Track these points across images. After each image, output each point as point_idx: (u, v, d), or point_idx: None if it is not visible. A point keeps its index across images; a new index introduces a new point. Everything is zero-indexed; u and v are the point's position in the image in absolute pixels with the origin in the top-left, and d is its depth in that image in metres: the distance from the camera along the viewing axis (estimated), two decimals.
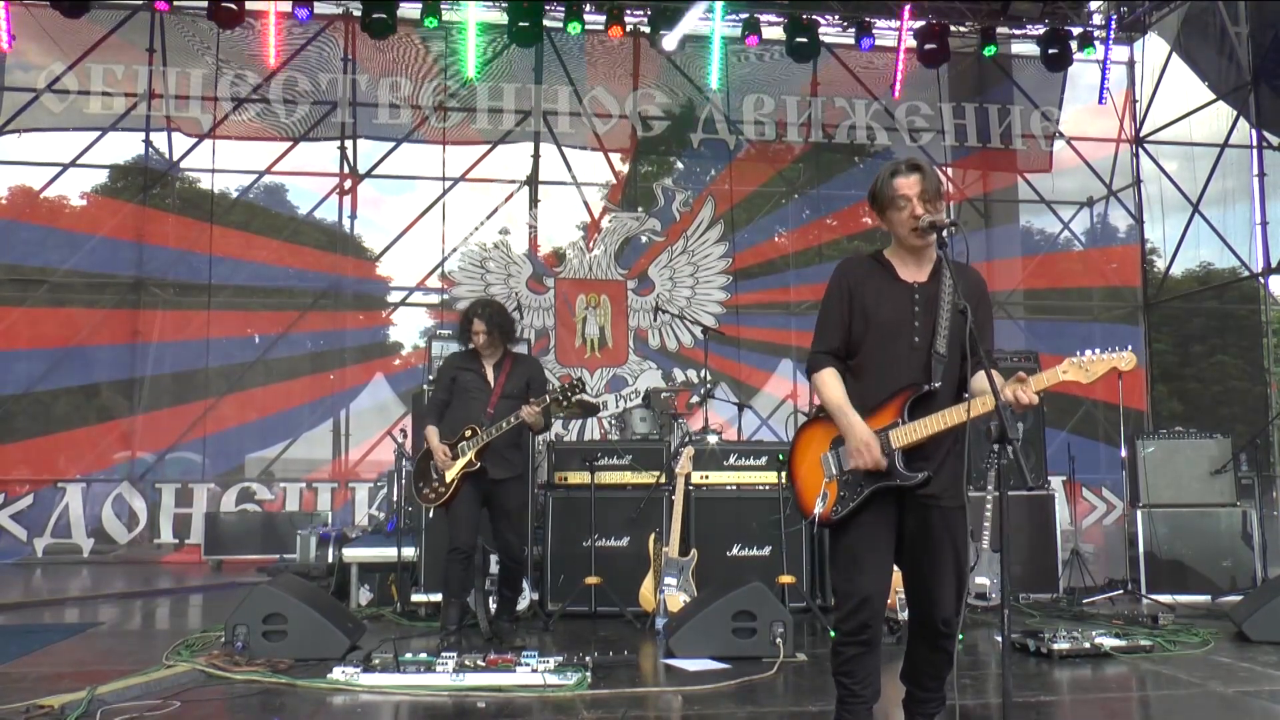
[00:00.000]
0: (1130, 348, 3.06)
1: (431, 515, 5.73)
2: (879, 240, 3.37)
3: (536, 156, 12.09)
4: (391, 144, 11.82)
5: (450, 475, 5.53)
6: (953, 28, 11.77)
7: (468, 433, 5.54)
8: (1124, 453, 7.73)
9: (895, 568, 3.26)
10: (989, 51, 11.76)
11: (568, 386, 5.54)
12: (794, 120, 12.48)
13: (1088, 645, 5.21)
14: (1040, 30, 12.00)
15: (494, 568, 6.03)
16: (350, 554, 7.03)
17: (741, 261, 12.15)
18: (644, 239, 11.89)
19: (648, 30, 11.41)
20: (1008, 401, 2.95)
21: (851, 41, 11.82)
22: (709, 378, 8.91)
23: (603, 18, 11.27)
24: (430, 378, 6.85)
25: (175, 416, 10.93)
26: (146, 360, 10.95)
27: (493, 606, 6.04)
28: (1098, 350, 3.05)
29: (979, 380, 3.03)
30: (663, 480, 6.71)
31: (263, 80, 11.41)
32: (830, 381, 3.19)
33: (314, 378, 11.50)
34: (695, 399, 8.73)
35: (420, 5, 10.80)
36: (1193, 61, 12.36)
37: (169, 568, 9.83)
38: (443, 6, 11.05)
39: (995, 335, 3.37)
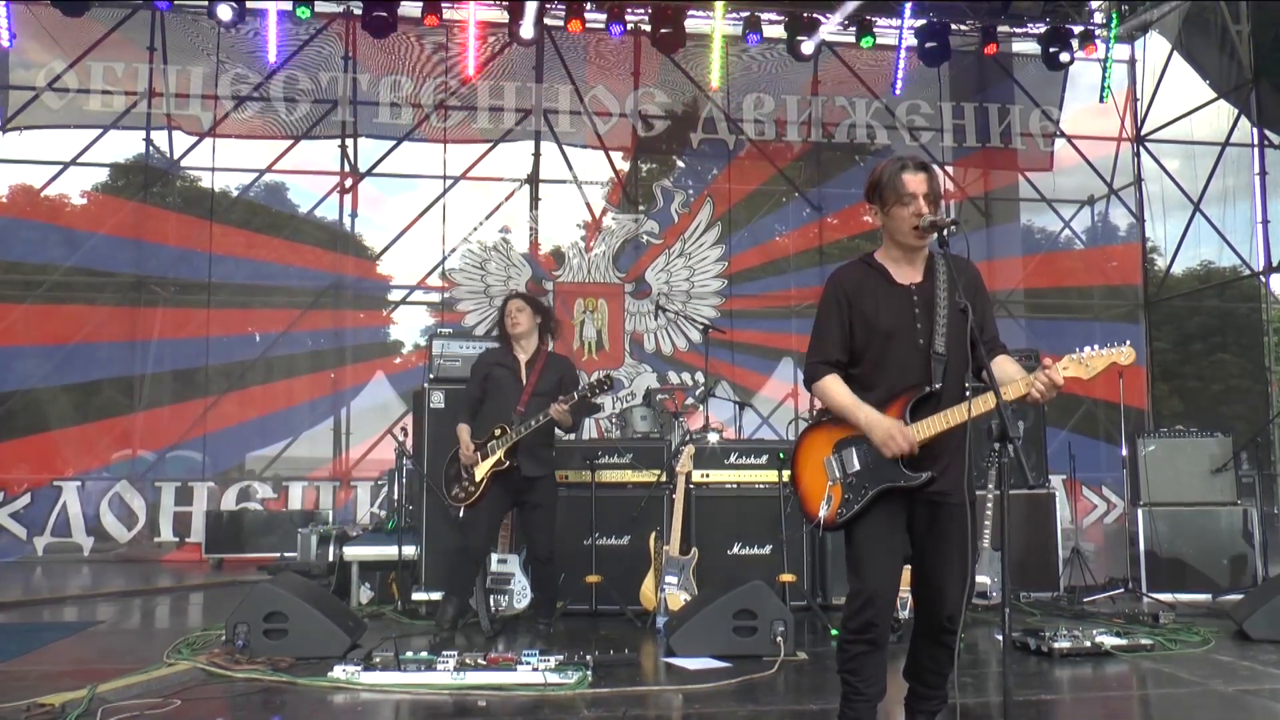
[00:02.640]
0: (1129, 342, 3.05)
1: (461, 514, 5.66)
2: (880, 241, 3.36)
3: (537, 155, 12.08)
4: (392, 143, 11.80)
5: (480, 474, 5.49)
6: (953, 26, 11.76)
7: (497, 431, 5.50)
8: (1124, 451, 7.73)
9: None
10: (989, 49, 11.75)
11: (596, 382, 5.52)
12: (794, 119, 12.47)
13: (1088, 644, 5.20)
14: (1041, 29, 11.99)
15: (494, 566, 6.02)
16: (351, 552, 7.03)
17: (741, 262, 12.15)
18: (644, 239, 11.89)
19: (648, 29, 11.42)
20: (1037, 390, 2.95)
21: (852, 40, 11.81)
22: (706, 379, 8.91)
23: (603, 16, 11.26)
24: (431, 376, 6.85)
25: (175, 415, 10.93)
26: (147, 358, 10.95)
27: (494, 605, 6.03)
28: (1097, 346, 3.04)
29: (999, 369, 3.03)
30: (663, 479, 6.70)
31: (263, 78, 11.41)
32: (834, 385, 3.18)
33: (315, 376, 11.49)
34: (690, 400, 8.73)
35: (421, 4, 10.79)
36: (1194, 60, 12.35)
37: (170, 566, 9.82)
38: (443, 6, 11.04)
39: (998, 338, 3.36)
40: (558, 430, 5.88)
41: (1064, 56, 11.81)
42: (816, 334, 3.25)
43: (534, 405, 5.55)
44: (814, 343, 3.26)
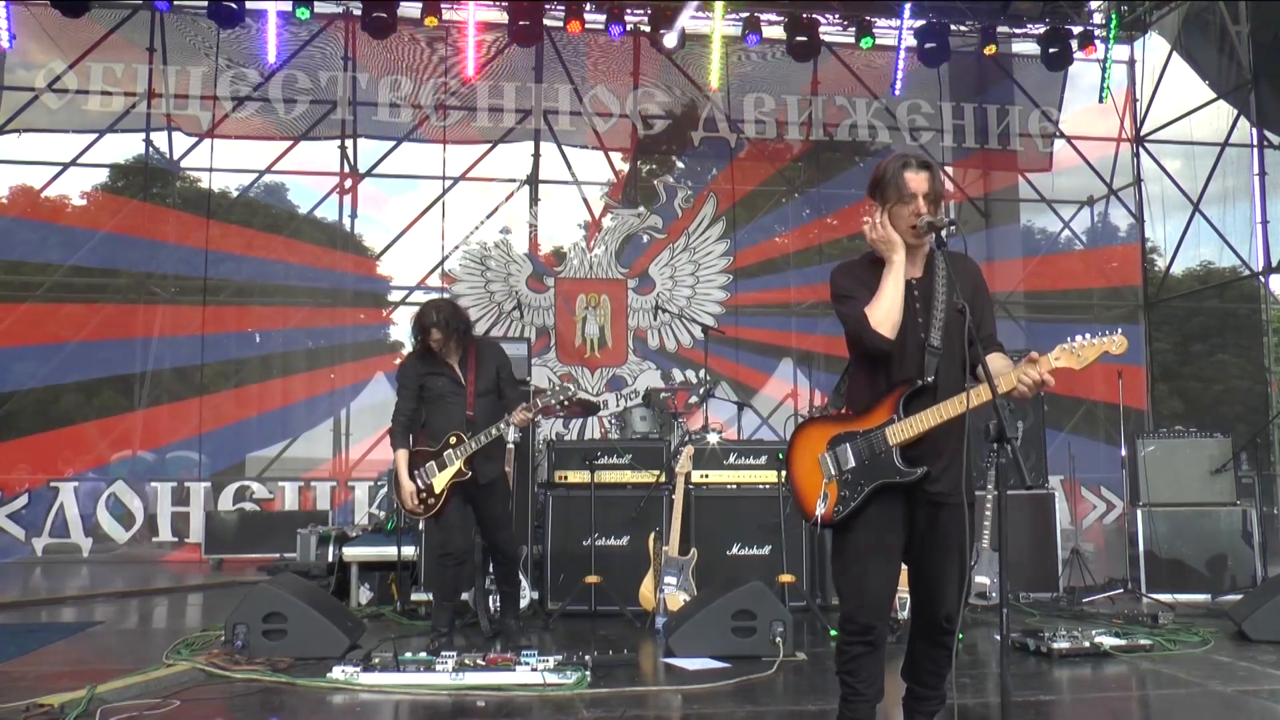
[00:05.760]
0: (1121, 331, 3.02)
1: (421, 525, 5.63)
2: None
3: (537, 155, 12.07)
4: (392, 143, 11.80)
5: (439, 486, 5.38)
6: (953, 26, 11.76)
7: (452, 440, 5.38)
8: (1124, 452, 7.74)
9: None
10: (989, 50, 11.75)
11: (559, 389, 5.42)
12: (794, 119, 12.47)
13: (1087, 644, 5.21)
14: (1041, 29, 11.99)
15: (493, 567, 6.02)
16: (350, 553, 7.04)
17: (742, 260, 12.13)
18: (645, 237, 11.87)
19: (648, 29, 11.41)
20: (1024, 386, 2.93)
21: (852, 40, 11.80)
22: (708, 377, 8.91)
23: (603, 17, 11.26)
24: None
25: (174, 414, 10.93)
26: (147, 358, 10.95)
27: (493, 605, 6.04)
28: (1089, 335, 3.01)
29: (990, 364, 3.01)
30: (663, 479, 6.71)
31: (263, 79, 11.40)
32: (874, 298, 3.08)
33: (314, 376, 11.49)
34: (694, 399, 8.73)
35: (420, 4, 10.79)
36: (1193, 60, 12.35)
37: (169, 567, 9.82)
38: (443, 6, 11.04)
39: (995, 336, 3.35)
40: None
41: (1063, 57, 11.82)
42: (847, 301, 3.15)
43: (482, 406, 5.47)
44: (847, 303, 3.15)
